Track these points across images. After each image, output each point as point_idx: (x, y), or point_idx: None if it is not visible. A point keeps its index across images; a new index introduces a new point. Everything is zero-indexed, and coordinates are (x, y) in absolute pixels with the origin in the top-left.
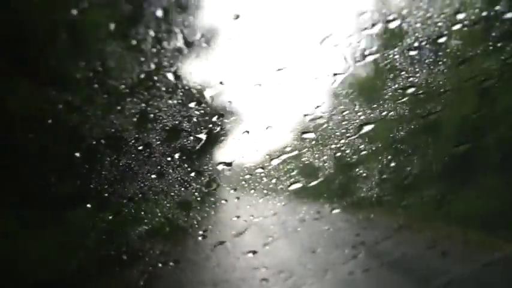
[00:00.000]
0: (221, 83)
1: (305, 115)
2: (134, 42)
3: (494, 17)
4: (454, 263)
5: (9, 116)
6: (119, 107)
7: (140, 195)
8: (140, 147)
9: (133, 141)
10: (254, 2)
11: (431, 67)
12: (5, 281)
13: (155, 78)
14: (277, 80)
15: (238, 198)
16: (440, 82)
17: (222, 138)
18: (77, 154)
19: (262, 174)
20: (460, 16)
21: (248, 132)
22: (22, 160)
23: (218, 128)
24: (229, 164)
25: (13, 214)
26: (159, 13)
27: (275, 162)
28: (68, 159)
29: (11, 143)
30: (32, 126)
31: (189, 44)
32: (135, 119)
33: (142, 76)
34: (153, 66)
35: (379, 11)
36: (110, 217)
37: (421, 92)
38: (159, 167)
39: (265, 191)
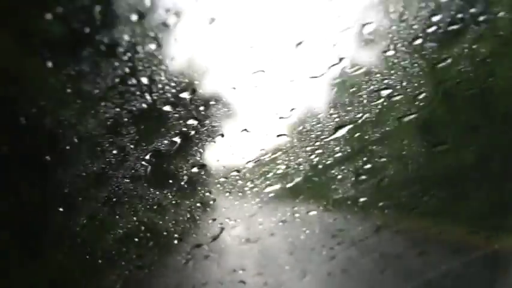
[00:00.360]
0: (196, 86)
1: (280, 118)
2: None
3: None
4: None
5: None
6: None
7: (114, 199)
8: (114, 151)
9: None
10: (229, 5)
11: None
12: None
13: (129, 81)
14: (253, 83)
15: (214, 201)
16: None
17: (197, 141)
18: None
19: (237, 177)
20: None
21: (223, 135)
22: None
23: (193, 131)
24: (203, 167)
25: None
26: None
27: (250, 165)
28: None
29: None
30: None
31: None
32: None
33: (116, 80)
34: (127, 69)
35: (356, 13)
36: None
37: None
38: (133, 171)
39: (240, 194)
